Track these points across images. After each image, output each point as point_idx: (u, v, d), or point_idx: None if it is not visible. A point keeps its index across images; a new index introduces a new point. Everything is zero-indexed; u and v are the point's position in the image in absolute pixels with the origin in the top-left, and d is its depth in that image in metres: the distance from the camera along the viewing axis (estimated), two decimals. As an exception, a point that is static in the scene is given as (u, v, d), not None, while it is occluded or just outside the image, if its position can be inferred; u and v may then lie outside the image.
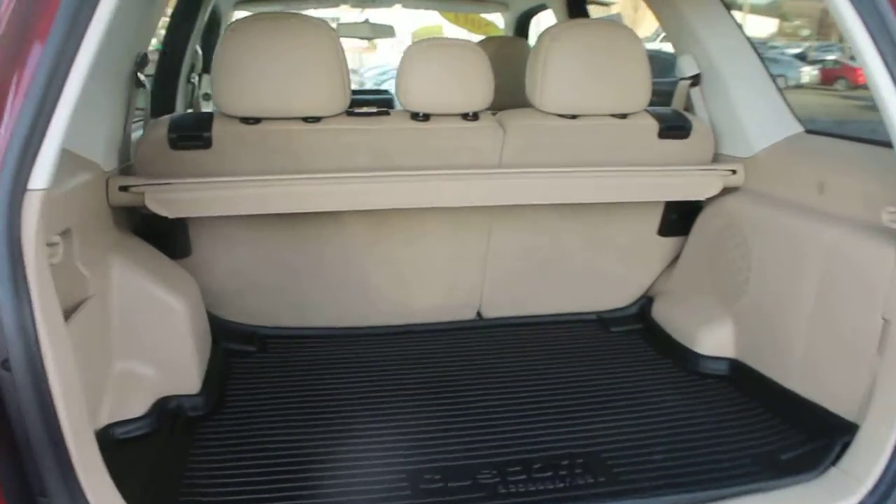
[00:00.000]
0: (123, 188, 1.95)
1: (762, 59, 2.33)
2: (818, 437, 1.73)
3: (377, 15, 4.75)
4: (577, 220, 2.45)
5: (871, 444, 1.54)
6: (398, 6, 4.45)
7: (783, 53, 21.56)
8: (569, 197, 2.27)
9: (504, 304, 2.57)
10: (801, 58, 22.19)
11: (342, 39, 2.13)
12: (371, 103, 3.14)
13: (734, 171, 2.29)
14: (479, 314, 2.58)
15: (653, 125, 2.30)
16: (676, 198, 2.36)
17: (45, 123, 1.18)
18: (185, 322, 1.93)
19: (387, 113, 2.22)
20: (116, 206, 1.96)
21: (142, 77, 2.12)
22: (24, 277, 1.17)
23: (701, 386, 2.14)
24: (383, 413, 1.98)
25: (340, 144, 2.14)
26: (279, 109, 2.07)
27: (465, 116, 2.22)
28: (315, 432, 1.88)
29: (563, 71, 2.19)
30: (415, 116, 2.19)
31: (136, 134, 2.23)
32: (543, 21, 4.01)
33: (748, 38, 2.34)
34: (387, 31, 4.67)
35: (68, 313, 1.54)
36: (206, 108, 3.38)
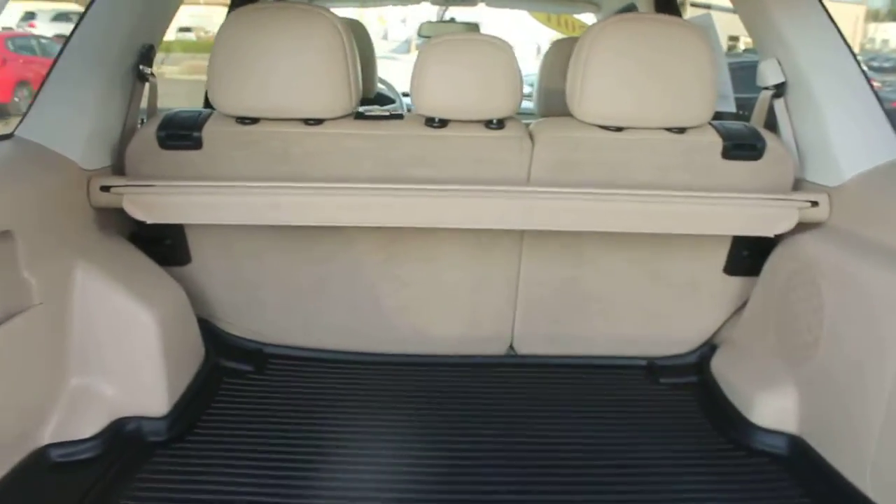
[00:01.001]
0: (105, 188, 1.82)
1: (861, 67, 1.89)
2: None
3: (463, 14, 4.53)
4: (624, 251, 2.10)
5: None
6: (482, 5, 4.21)
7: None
8: (610, 224, 1.92)
9: (539, 340, 2.25)
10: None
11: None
12: None
13: (815, 203, 1.86)
14: (511, 349, 2.28)
15: (716, 143, 1.92)
16: (737, 232, 1.96)
17: None
18: (153, 337, 1.75)
19: (399, 117, 1.97)
20: (98, 207, 1.83)
21: (147, 70, 1.99)
22: None
23: (750, 467, 1.74)
24: (382, 456, 1.74)
25: (343, 151, 1.91)
26: (277, 109, 1.87)
27: (487, 124, 1.93)
28: (289, 475, 1.66)
29: (608, 74, 1.85)
30: (429, 122, 1.93)
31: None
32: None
33: (846, 42, 1.90)
34: (472, 30, 4.43)
35: None
36: None
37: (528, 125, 2.02)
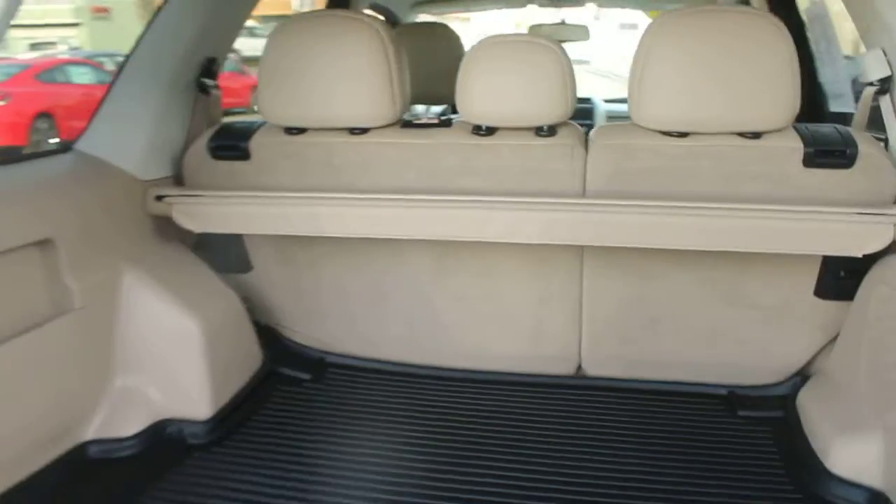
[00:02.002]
0: (159, 198, 1.89)
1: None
2: None
3: (572, 15, 4.36)
4: (697, 269, 1.90)
5: None
6: (591, 5, 4.04)
7: None
8: (672, 241, 1.74)
9: (609, 361, 2.08)
10: None
11: None
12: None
13: None
14: (579, 370, 2.13)
15: (796, 149, 1.68)
16: (817, 251, 1.71)
17: None
18: (196, 342, 1.79)
19: (448, 124, 1.90)
20: (155, 215, 1.91)
21: (210, 83, 2.05)
22: None
23: None
24: (429, 476, 1.67)
25: (387, 160, 1.87)
26: (321, 119, 1.86)
27: (538, 131, 1.82)
28: (320, 489, 1.63)
29: (670, 74, 1.68)
30: (476, 130, 1.84)
31: None
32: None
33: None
34: (580, 32, 4.25)
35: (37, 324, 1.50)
36: None
37: (587, 132, 1.88)
